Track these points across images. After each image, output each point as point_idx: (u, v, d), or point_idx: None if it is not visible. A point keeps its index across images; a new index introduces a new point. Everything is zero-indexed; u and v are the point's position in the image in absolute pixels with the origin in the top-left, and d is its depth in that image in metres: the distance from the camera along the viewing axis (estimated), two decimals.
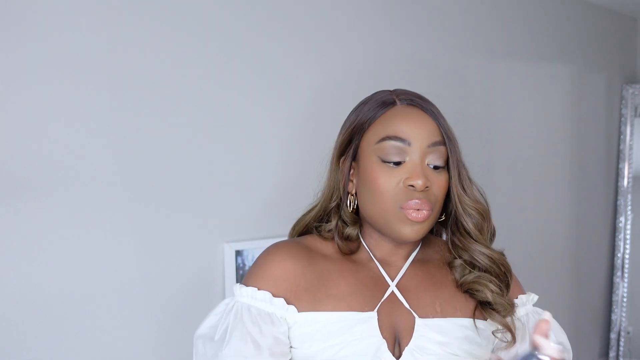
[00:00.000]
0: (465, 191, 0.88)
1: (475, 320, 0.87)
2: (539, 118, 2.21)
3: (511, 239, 2.11)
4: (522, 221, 2.16)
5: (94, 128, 1.17)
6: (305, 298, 0.84)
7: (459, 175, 0.88)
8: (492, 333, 0.87)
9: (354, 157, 0.90)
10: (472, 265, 0.89)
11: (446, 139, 0.87)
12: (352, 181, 0.91)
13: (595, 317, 2.59)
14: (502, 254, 0.91)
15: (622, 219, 2.62)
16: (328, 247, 0.91)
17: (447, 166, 0.88)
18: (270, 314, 0.82)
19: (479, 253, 0.88)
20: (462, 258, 0.90)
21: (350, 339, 0.81)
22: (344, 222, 0.91)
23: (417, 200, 0.82)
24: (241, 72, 1.37)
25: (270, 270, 0.85)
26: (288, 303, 0.83)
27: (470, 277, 0.88)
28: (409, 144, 0.84)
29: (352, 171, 0.90)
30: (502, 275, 0.89)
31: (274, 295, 0.83)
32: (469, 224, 0.89)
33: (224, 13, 1.34)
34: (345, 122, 0.93)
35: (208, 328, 0.84)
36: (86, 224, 1.16)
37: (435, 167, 0.86)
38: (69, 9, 1.13)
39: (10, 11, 1.07)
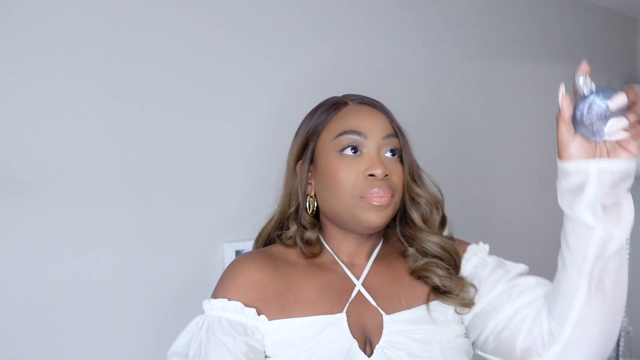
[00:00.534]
0: (415, 181, 0.92)
1: (430, 303, 0.90)
2: (539, 118, 2.21)
3: (511, 239, 2.11)
4: (522, 221, 2.16)
5: (93, 128, 1.17)
6: (274, 306, 0.85)
7: (410, 165, 0.91)
8: (455, 311, 0.90)
9: (311, 160, 0.92)
10: (424, 253, 0.92)
11: (398, 132, 0.91)
12: (310, 184, 0.93)
13: None
14: (451, 237, 0.96)
15: None
16: (292, 254, 0.93)
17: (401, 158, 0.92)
18: (242, 324, 0.82)
19: (428, 241, 0.92)
20: (414, 247, 0.93)
21: (322, 342, 0.82)
22: (304, 227, 0.93)
23: (377, 189, 0.85)
24: (239, 71, 1.37)
25: (239, 280, 0.86)
26: (258, 313, 0.84)
27: (419, 263, 0.91)
28: (365, 137, 0.87)
29: (309, 174, 0.93)
30: (451, 259, 0.93)
31: (246, 306, 0.83)
32: (415, 213, 0.92)
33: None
34: (298, 130, 0.97)
35: (181, 346, 0.83)
36: (86, 224, 1.16)
37: (393, 155, 0.89)
38: (69, 10, 1.13)
39: (10, 12, 1.07)
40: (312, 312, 0.85)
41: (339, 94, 0.99)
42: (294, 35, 1.47)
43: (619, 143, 0.72)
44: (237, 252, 1.35)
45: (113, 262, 1.20)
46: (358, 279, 0.91)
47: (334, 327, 0.83)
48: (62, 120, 1.13)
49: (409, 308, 0.89)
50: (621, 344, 2.59)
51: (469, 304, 0.89)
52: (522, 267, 0.95)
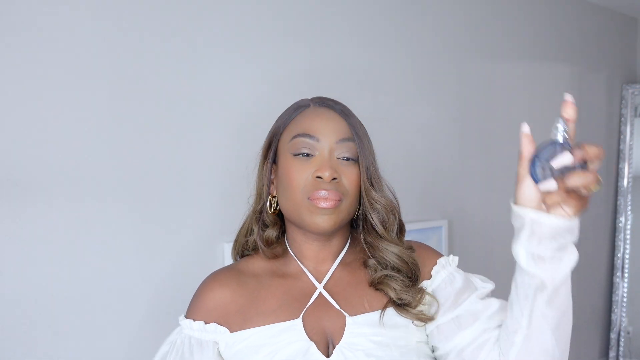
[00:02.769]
0: (372, 185, 0.91)
1: (385, 310, 0.89)
2: (539, 118, 2.20)
3: (511, 239, 2.11)
4: None
5: (94, 129, 1.17)
6: (236, 320, 0.89)
7: (367, 170, 0.90)
8: (412, 322, 0.89)
9: (275, 160, 0.95)
10: (384, 264, 0.92)
11: (355, 136, 0.90)
12: (273, 183, 0.95)
13: (595, 317, 2.59)
14: (410, 247, 0.94)
15: (622, 219, 2.62)
16: (260, 266, 0.95)
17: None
18: (204, 342, 0.88)
19: (388, 252, 0.91)
20: (375, 257, 0.93)
21: (278, 347, 0.85)
22: (266, 226, 0.96)
23: (324, 191, 0.86)
24: (238, 70, 1.37)
25: (203, 302, 0.91)
26: (220, 325, 0.89)
27: (377, 275, 0.91)
28: (317, 140, 0.88)
29: (273, 174, 0.95)
30: (409, 270, 0.92)
31: (206, 323, 0.89)
32: (374, 218, 0.92)
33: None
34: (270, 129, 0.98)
35: (160, 357, 0.91)
36: (86, 225, 1.16)
37: (346, 160, 0.89)
38: (68, 11, 1.13)
39: (10, 12, 1.07)
40: (272, 320, 0.88)
41: (308, 98, 0.99)
42: (283, 35, 1.48)
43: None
44: (233, 259, 1.35)
45: (113, 262, 1.20)
46: (320, 283, 0.92)
47: (290, 332, 0.86)
48: (62, 122, 1.13)
49: (372, 311, 0.89)
50: (621, 344, 2.59)
51: (425, 319, 0.89)
52: (489, 286, 0.94)
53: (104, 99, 1.18)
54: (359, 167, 0.90)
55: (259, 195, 0.97)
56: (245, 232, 1.00)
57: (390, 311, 0.89)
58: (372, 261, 0.93)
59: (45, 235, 1.12)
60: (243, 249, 1.01)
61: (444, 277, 0.94)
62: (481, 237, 2.00)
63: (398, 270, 0.91)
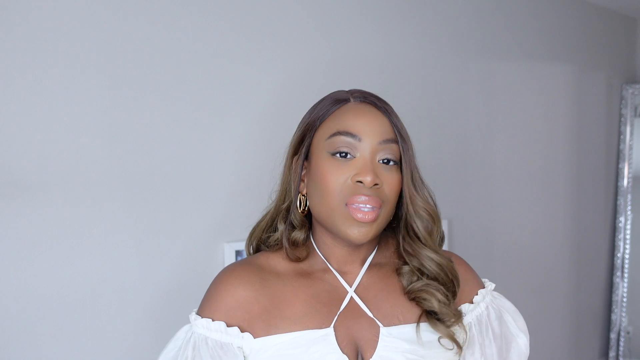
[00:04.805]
0: (417, 191, 0.85)
1: (422, 324, 0.84)
2: (539, 118, 2.21)
3: (511, 239, 2.11)
4: (522, 221, 2.16)
5: (93, 128, 1.17)
6: (259, 324, 0.82)
7: (412, 175, 0.84)
8: (438, 340, 0.83)
9: (307, 156, 0.87)
10: (421, 272, 0.86)
11: (399, 137, 0.84)
12: (303, 181, 0.88)
13: (595, 317, 2.59)
14: (450, 260, 0.87)
15: (622, 219, 2.62)
16: (281, 264, 0.88)
17: (400, 166, 0.85)
18: (227, 345, 0.81)
19: (428, 259, 0.85)
20: (411, 264, 0.86)
21: (309, 359, 0.78)
22: (293, 226, 0.88)
23: (364, 197, 0.79)
24: (236, 71, 1.37)
25: (223, 300, 0.84)
26: (242, 331, 0.82)
27: (417, 284, 0.84)
28: (360, 140, 0.81)
29: (304, 171, 0.88)
30: (450, 283, 0.86)
31: (228, 325, 0.82)
32: (419, 226, 0.85)
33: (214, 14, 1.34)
34: (300, 121, 0.91)
35: (169, 359, 0.83)
36: (86, 225, 1.16)
37: (387, 163, 0.83)
38: (68, 11, 1.13)
39: (10, 12, 1.07)
40: (299, 327, 0.81)
41: (346, 90, 0.93)
42: (293, 30, 1.47)
43: None
44: (237, 252, 1.35)
45: (113, 262, 1.20)
46: (350, 286, 0.86)
47: (322, 343, 0.79)
48: (61, 121, 1.13)
49: (406, 323, 0.83)
50: (621, 344, 2.59)
51: (457, 343, 0.82)
52: (523, 341, 0.90)
53: (104, 99, 1.18)
54: (402, 171, 0.84)
55: (284, 192, 0.90)
56: (264, 228, 0.92)
57: (424, 326, 0.83)
58: (407, 268, 0.86)
59: (45, 235, 1.12)
60: (260, 244, 0.94)
61: (477, 314, 0.89)
62: (481, 237, 2.00)
63: (438, 281, 0.85)
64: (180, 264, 1.29)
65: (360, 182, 0.80)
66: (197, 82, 1.30)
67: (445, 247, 1.84)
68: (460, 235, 1.93)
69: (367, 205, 0.79)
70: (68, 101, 1.13)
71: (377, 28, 1.66)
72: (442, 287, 0.84)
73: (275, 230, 0.91)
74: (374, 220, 0.80)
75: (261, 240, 0.93)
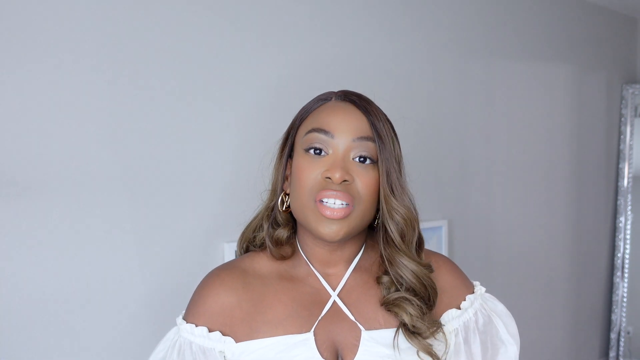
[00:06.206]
0: (393, 192, 0.83)
1: (398, 331, 0.83)
2: (539, 118, 2.21)
3: (511, 239, 2.11)
4: (522, 221, 2.16)
5: (93, 128, 1.17)
6: (242, 329, 0.83)
7: (388, 175, 0.82)
8: (417, 353, 0.82)
9: (290, 155, 0.88)
10: (399, 282, 0.84)
11: (375, 136, 0.82)
12: (287, 179, 0.89)
13: (595, 317, 2.59)
14: (429, 267, 0.86)
15: (622, 219, 2.62)
16: (266, 265, 0.89)
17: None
18: (209, 350, 0.82)
19: (404, 267, 0.83)
20: (391, 273, 0.85)
21: None
22: (277, 224, 0.89)
23: (332, 192, 0.78)
24: (236, 70, 1.37)
25: (206, 305, 0.85)
26: (224, 335, 0.83)
27: (392, 296, 0.83)
28: (332, 137, 0.81)
29: (288, 170, 0.88)
30: (426, 294, 0.84)
31: (210, 330, 0.83)
32: (392, 229, 0.83)
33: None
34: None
35: (158, 359, 0.85)
36: (86, 225, 1.16)
37: (363, 161, 0.82)
38: (68, 10, 1.13)
39: (11, 12, 1.07)
40: (281, 332, 0.81)
41: (334, 91, 0.93)
42: (288, 32, 1.47)
43: None
44: (237, 252, 1.35)
45: (113, 262, 1.20)
46: (334, 290, 0.85)
47: (302, 348, 0.80)
48: (62, 121, 1.13)
49: (386, 327, 0.83)
50: (621, 344, 2.59)
51: (433, 355, 0.81)
52: (512, 348, 0.89)
53: (104, 98, 1.18)
54: (378, 170, 0.82)
55: (273, 191, 0.90)
56: (254, 227, 0.93)
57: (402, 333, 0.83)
58: (386, 278, 0.85)
59: (44, 234, 1.12)
60: (249, 245, 0.95)
61: (465, 320, 0.88)
62: (481, 237, 2.00)
63: (414, 292, 0.83)
64: (181, 264, 1.29)
65: (329, 177, 0.79)
66: (198, 82, 1.30)
67: (445, 248, 1.84)
68: (460, 235, 1.93)
69: (337, 202, 0.79)
70: (67, 101, 1.13)
71: (376, 27, 1.66)
72: (416, 300, 0.83)
73: (262, 229, 0.91)
74: (343, 218, 0.79)
75: (249, 241, 0.94)
